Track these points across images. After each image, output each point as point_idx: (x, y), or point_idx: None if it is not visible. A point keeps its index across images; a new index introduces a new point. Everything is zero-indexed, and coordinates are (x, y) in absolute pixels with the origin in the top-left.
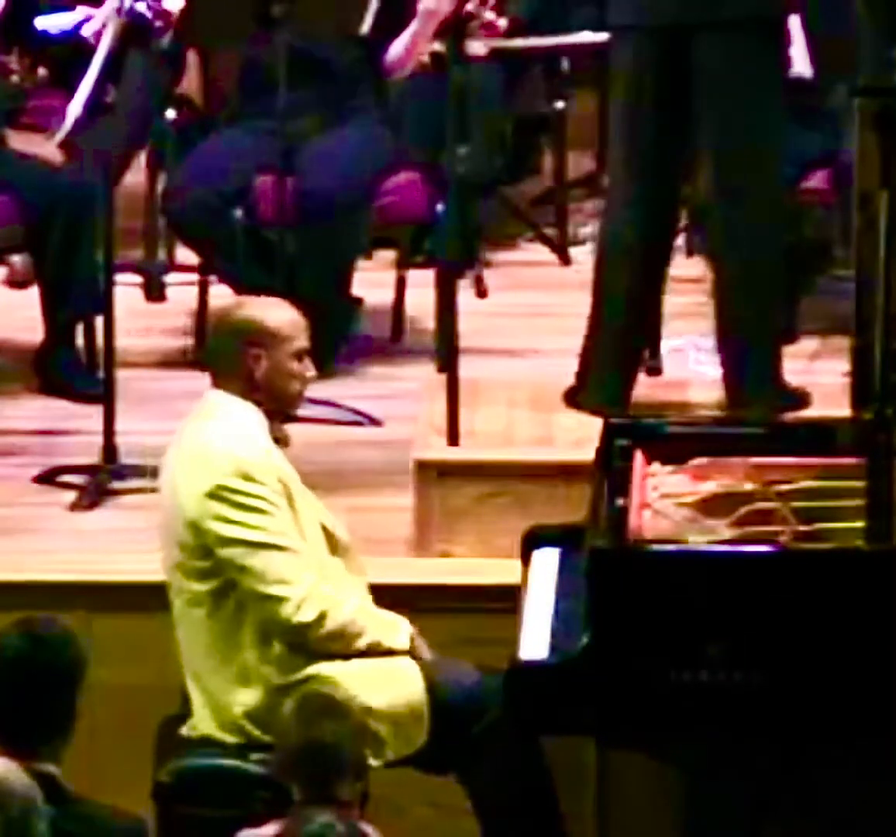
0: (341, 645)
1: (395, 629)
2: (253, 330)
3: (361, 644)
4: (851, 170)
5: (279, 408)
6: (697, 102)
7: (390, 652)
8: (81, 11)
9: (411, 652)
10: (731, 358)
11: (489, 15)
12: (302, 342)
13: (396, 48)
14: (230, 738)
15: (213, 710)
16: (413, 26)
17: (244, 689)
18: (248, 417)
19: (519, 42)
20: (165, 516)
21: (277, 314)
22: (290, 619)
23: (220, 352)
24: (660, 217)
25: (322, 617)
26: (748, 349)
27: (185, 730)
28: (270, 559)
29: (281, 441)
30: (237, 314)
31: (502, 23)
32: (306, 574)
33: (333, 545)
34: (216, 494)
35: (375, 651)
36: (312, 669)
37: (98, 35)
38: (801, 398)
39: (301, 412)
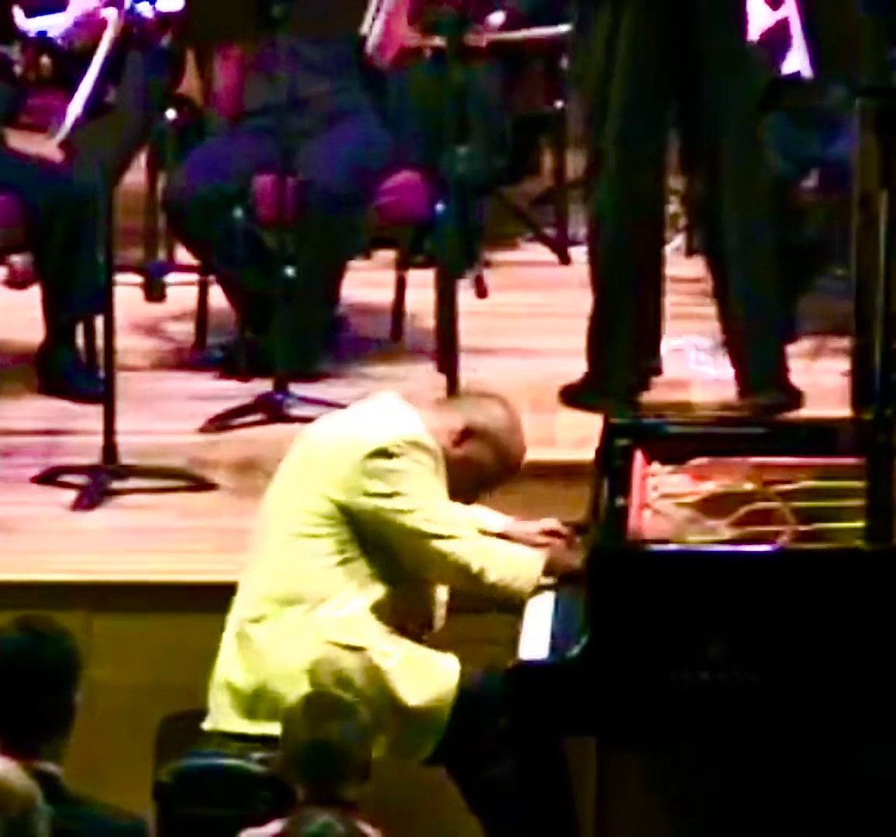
0: (500, 592)
1: (531, 566)
2: (494, 440)
3: (516, 586)
4: (851, 169)
5: None
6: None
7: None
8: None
9: (559, 569)
10: (737, 352)
11: None
12: (496, 484)
13: (374, 34)
14: (252, 690)
15: (252, 665)
16: (384, 9)
17: (295, 641)
18: (418, 422)
19: (518, 34)
20: (298, 465)
21: (515, 455)
22: (466, 565)
23: (452, 413)
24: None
25: (483, 568)
26: (753, 343)
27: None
28: (438, 509)
29: None
30: (500, 419)
31: (497, 18)
32: (465, 529)
33: None
34: (382, 452)
35: (521, 591)
36: (364, 641)
37: (69, 35)
38: (794, 397)
39: (301, 412)
